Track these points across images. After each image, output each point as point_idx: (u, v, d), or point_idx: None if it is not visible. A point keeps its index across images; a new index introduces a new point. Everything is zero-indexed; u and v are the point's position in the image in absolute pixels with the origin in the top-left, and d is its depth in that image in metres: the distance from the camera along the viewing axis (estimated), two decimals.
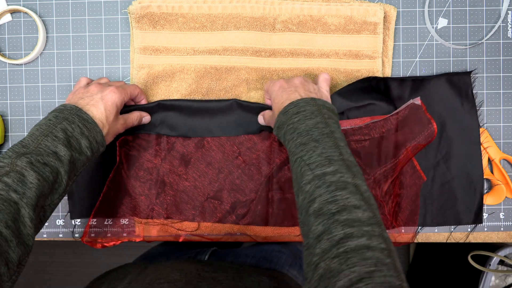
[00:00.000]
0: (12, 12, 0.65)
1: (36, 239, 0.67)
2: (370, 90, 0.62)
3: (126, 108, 0.61)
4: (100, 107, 0.53)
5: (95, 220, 0.66)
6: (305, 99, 0.50)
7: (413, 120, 0.60)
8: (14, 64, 0.65)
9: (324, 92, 0.56)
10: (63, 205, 0.66)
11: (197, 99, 0.64)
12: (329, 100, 0.56)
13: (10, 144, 0.66)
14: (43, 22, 0.65)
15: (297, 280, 0.64)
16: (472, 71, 0.64)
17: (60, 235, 0.67)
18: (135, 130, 0.63)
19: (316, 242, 0.39)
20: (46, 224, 0.67)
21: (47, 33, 0.65)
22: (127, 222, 0.66)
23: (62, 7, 0.65)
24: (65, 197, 0.66)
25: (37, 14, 0.65)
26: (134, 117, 0.60)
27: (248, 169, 0.64)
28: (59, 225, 0.67)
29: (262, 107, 0.62)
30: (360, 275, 0.34)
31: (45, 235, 0.67)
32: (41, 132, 0.48)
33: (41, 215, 0.47)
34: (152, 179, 0.64)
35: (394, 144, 0.62)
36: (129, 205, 0.64)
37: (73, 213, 0.65)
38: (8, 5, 0.65)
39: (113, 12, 0.65)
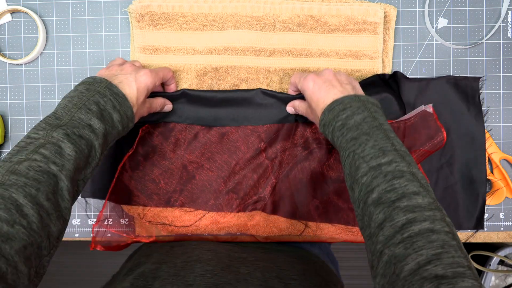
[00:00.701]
0: (12, 12, 0.65)
1: None
2: (382, 85, 0.63)
3: (152, 94, 0.61)
4: (133, 86, 0.53)
5: (94, 220, 0.66)
6: (349, 96, 0.50)
7: (423, 127, 0.60)
8: (14, 64, 0.65)
9: (354, 80, 0.57)
10: None
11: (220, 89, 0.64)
12: (360, 89, 0.56)
13: (10, 144, 0.66)
14: (43, 22, 0.65)
15: (322, 257, 0.65)
16: (480, 77, 0.64)
17: None
18: (159, 118, 0.63)
19: (378, 230, 0.39)
20: None
21: (47, 33, 0.65)
22: (127, 222, 0.66)
23: (62, 7, 0.65)
24: None
25: (37, 14, 0.65)
26: (158, 103, 0.60)
27: (270, 162, 0.64)
28: None
29: (287, 97, 0.63)
30: (428, 257, 0.35)
31: None
32: (74, 104, 0.47)
33: (75, 190, 0.46)
34: (173, 168, 0.64)
35: None
36: (146, 191, 0.64)
37: (84, 192, 0.65)
38: (8, 5, 0.65)
39: (113, 12, 0.65)
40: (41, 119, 0.65)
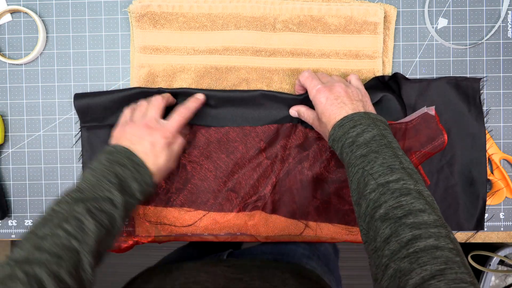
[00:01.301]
0: (12, 12, 0.65)
1: None
2: (382, 88, 0.63)
3: (149, 89, 0.62)
4: (146, 144, 0.54)
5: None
6: (359, 114, 0.52)
7: (425, 129, 0.60)
8: (14, 64, 0.65)
9: (365, 95, 0.58)
10: None
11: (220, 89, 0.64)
12: (371, 104, 0.57)
13: (10, 144, 0.66)
14: (43, 22, 0.65)
15: (317, 271, 0.65)
16: (481, 78, 0.64)
17: None
18: None
19: (384, 244, 0.41)
20: None
21: (47, 33, 0.65)
22: (127, 222, 0.66)
23: (62, 7, 0.65)
24: (75, 180, 0.66)
25: (37, 14, 0.65)
26: (181, 125, 0.59)
27: (269, 162, 0.64)
28: None
29: (288, 97, 0.62)
30: (432, 272, 0.36)
31: None
32: (96, 177, 0.50)
33: (97, 261, 0.48)
34: (173, 168, 0.64)
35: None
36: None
37: None
38: (8, 5, 0.65)
39: (113, 12, 0.65)
40: (41, 119, 0.65)
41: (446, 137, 0.58)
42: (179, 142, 0.59)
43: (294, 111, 0.62)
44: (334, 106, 0.54)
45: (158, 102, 0.58)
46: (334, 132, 0.53)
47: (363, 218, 0.46)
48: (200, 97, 0.61)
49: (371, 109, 0.56)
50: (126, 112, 0.59)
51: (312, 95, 0.57)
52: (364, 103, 0.55)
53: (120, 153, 0.52)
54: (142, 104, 0.59)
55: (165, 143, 0.56)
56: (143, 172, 0.53)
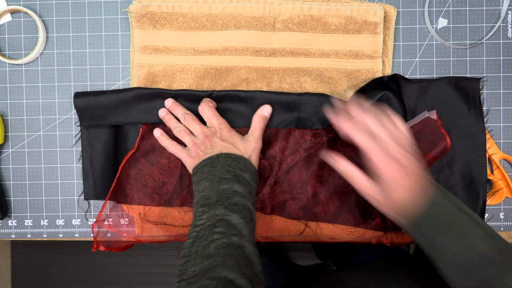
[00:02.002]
0: (12, 12, 0.65)
1: (36, 239, 0.67)
2: (381, 88, 0.63)
3: (149, 90, 0.62)
4: (229, 146, 0.56)
5: (93, 220, 0.66)
6: (437, 196, 0.49)
7: (427, 134, 0.60)
8: (14, 64, 0.65)
9: (410, 142, 0.52)
10: (62, 205, 0.66)
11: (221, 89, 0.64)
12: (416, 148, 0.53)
13: (10, 144, 0.66)
14: (43, 22, 0.65)
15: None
16: (481, 78, 0.64)
17: (60, 235, 0.67)
18: (158, 118, 0.63)
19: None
20: (46, 224, 0.67)
21: (47, 33, 0.65)
22: (127, 222, 0.66)
23: (62, 7, 0.65)
24: (77, 179, 0.66)
25: (37, 14, 0.65)
26: (256, 125, 0.60)
27: (268, 164, 0.64)
28: (59, 225, 0.67)
29: (288, 98, 0.62)
30: None
31: (45, 235, 0.67)
32: (211, 181, 0.50)
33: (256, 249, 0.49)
34: (173, 167, 0.64)
35: None
36: (147, 191, 0.64)
37: (88, 194, 0.65)
38: (8, 5, 0.65)
39: (113, 12, 0.65)
40: (41, 119, 0.65)
41: (449, 142, 0.58)
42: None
43: (345, 166, 0.53)
44: (409, 176, 0.48)
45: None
46: (421, 222, 0.49)
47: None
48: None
49: (417, 155, 0.51)
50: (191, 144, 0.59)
51: (368, 154, 0.49)
52: (415, 156, 0.50)
53: (217, 158, 0.54)
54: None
55: (231, 130, 0.58)
56: (246, 162, 0.54)
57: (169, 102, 0.62)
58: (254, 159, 0.58)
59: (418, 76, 0.65)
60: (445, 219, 0.48)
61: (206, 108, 0.59)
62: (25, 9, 0.63)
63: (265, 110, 0.61)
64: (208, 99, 0.62)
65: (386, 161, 0.48)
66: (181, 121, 0.60)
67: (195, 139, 0.59)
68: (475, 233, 0.47)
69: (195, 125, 0.59)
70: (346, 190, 0.64)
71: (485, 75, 0.65)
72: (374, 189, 0.50)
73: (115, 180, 0.63)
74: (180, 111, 0.61)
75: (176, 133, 0.60)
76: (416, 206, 0.48)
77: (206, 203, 0.48)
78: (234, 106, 0.63)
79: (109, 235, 0.66)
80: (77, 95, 0.63)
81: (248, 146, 0.58)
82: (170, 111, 0.62)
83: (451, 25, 0.65)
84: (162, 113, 0.62)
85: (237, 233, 0.45)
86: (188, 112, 0.61)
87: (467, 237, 0.46)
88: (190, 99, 0.63)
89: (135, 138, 0.64)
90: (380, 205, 0.51)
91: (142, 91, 0.62)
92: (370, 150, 0.49)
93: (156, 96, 0.62)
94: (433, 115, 0.59)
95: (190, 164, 0.58)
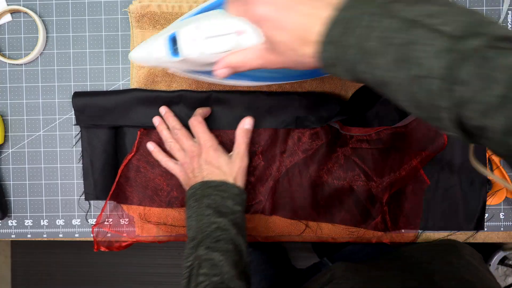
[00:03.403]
0: (12, 12, 0.65)
1: (36, 239, 0.67)
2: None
3: (147, 93, 0.62)
4: (213, 170, 0.57)
5: (95, 220, 0.66)
6: (344, 7, 0.33)
7: (423, 131, 0.59)
8: (14, 64, 0.65)
9: None
10: (62, 205, 0.66)
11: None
12: None
13: (10, 144, 0.66)
14: (43, 22, 0.65)
15: None
16: None
17: (60, 235, 0.67)
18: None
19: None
20: (46, 224, 0.67)
21: (47, 33, 0.65)
22: (127, 222, 0.66)
23: (62, 7, 0.65)
24: (77, 179, 0.66)
25: (37, 14, 0.65)
26: (240, 141, 0.60)
27: (267, 165, 0.64)
28: (59, 225, 0.67)
29: (288, 98, 0.61)
30: None
31: (45, 235, 0.67)
32: (195, 220, 0.53)
33: (247, 275, 0.51)
34: None
35: (402, 154, 0.62)
36: (147, 193, 0.64)
37: (88, 195, 0.65)
38: (8, 5, 0.65)
39: (113, 12, 0.65)
40: (41, 119, 0.65)
41: (446, 137, 0.58)
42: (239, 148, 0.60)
43: (222, 69, 0.41)
44: (287, 9, 0.35)
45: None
46: (325, 55, 0.34)
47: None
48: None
49: None
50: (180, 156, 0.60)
51: (247, 16, 0.38)
52: None
53: (199, 189, 0.56)
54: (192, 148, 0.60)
55: (218, 150, 0.58)
56: (227, 188, 0.56)
57: (162, 110, 0.62)
58: (240, 179, 0.59)
59: None
60: (363, 32, 0.32)
61: (195, 123, 0.59)
62: (25, 9, 0.63)
63: (247, 123, 0.60)
64: (201, 110, 0.61)
65: (254, 3, 0.37)
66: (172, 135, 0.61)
67: (184, 158, 0.60)
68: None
69: (183, 142, 0.60)
70: (346, 190, 0.64)
71: None
72: (257, 55, 0.39)
73: (115, 183, 0.63)
74: (171, 123, 0.61)
75: (167, 147, 0.62)
76: (309, 39, 0.35)
77: (192, 245, 0.51)
78: (233, 107, 0.63)
79: (109, 235, 0.66)
80: (76, 95, 0.63)
81: (233, 167, 0.58)
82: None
83: None
84: (156, 121, 0.62)
85: (218, 273, 0.47)
86: (178, 126, 0.60)
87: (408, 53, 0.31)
88: (189, 103, 0.62)
89: (135, 138, 0.63)
90: (270, 65, 0.40)
91: (140, 94, 0.62)
92: (234, 7, 0.40)
93: (154, 100, 0.62)
94: None
95: (183, 180, 0.61)
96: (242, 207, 0.56)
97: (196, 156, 0.58)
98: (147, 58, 0.46)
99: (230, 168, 0.58)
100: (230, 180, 0.57)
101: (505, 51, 0.29)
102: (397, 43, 0.31)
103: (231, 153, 0.60)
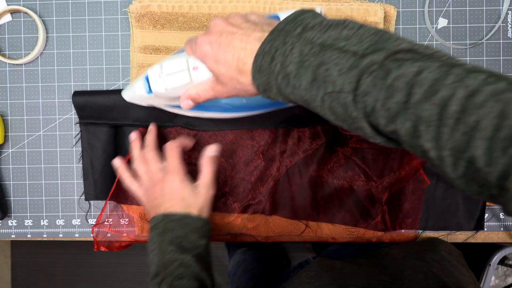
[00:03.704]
0: (12, 12, 0.65)
1: (36, 239, 0.67)
2: None
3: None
4: (176, 201, 0.55)
5: (95, 220, 0.66)
6: (266, 39, 0.38)
7: None
8: (14, 64, 0.65)
9: (253, 15, 0.44)
10: (62, 205, 0.66)
11: None
12: (266, 20, 0.43)
13: (10, 144, 0.66)
14: (43, 22, 0.65)
15: None
16: None
17: (60, 235, 0.67)
18: (159, 123, 0.63)
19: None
20: (46, 224, 0.67)
21: (47, 33, 0.65)
22: (127, 222, 0.66)
23: (62, 7, 0.65)
24: (77, 179, 0.66)
25: (37, 14, 0.65)
26: (207, 170, 0.58)
27: (267, 165, 0.64)
28: (59, 225, 0.67)
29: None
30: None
31: (45, 235, 0.67)
32: (157, 256, 0.52)
33: None
34: None
35: (402, 154, 0.62)
36: None
37: (88, 195, 0.65)
38: (8, 5, 0.65)
39: (113, 12, 0.65)
40: (41, 119, 0.65)
41: None
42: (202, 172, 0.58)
43: (185, 100, 0.47)
44: (223, 45, 0.40)
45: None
46: (257, 82, 0.39)
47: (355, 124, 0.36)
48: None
49: (269, 22, 0.42)
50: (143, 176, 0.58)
51: (196, 55, 0.43)
52: (255, 23, 0.42)
53: (162, 221, 0.54)
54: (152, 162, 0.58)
55: (184, 181, 0.56)
56: (190, 221, 0.54)
57: (150, 127, 0.61)
58: (206, 211, 0.57)
59: None
60: (277, 68, 0.37)
61: (170, 148, 0.58)
62: (25, 9, 0.63)
63: (213, 150, 0.58)
64: (184, 140, 0.60)
65: (196, 42, 0.43)
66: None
67: (147, 183, 0.57)
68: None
69: (151, 165, 0.57)
70: (346, 189, 0.64)
71: None
72: (208, 87, 0.45)
73: (115, 183, 0.63)
74: (146, 141, 0.60)
75: (133, 166, 0.59)
76: (244, 68, 0.40)
77: (156, 281, 0.51)
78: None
79: (109, 235, 0.66)
80: (76, 94, 0.63)
81: (198, 199, 0.56)
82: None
83: (451, 25, 0.65)
84: (132, 136, 0.61)
85: None
86: (151, 146, 0.59)
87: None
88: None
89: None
90: (221, 95, 0.45)
91: None
92: (188, 46, 0.45)
93: None
94: None
95: (144, 205, 0.59)
96: (207, 239, 0.55)
97: (160, 183, 0.56)
98: (133, 96, 0.53)
99: (195, 199, 0.55)
100: (194, 212, 0.55)
101: (402, 62, 0.32)
102: (312, 66, 0.35)
103: (196, 183, 0.57)
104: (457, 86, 0.30)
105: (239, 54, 0.39)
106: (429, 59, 0.32)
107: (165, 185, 0.56)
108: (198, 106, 0.49)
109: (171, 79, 0.46)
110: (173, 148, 0.58)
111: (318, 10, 0.44)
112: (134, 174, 0.59)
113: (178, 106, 0.53)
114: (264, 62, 0.38)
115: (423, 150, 0.33)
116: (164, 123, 0.63)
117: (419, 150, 0.33)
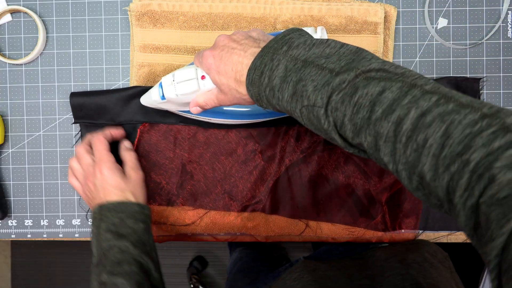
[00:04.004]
0: (12, 12, 0.65)
1: (36, 239, 0.67)
2: None
3: (145, 88, 0.62)
4: (109, 189, 0.56)
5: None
6: (257, 56, 0.43)
7: None
8: (14, 64, 0.65)
9: (255, 30, 0.48)
10: (62, 205, 0.66)
11: None
12: (266, 35, 0.48)
13: (10, 144, 0.66)
14: (43, 22, 0.65)
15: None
16: (480, 78, 0.64)
17: (60, 235, 0.67)
18: (157, 119, 0.63)
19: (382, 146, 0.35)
20: (46, 224, 0.67)
21: (47, 33, 0.65)
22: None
23: (62, 7, 0.65)
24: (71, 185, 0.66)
25: (37, 14, 0.65)
26: (128, 156, 0.60)
27: (266, 164, 0.64)
28: (59, 225, 0.67)
29: None
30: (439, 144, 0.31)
31: (45, 235, 0.67)
32: (96, 246, 0.54)
33: None
34: (173, 167, 0.64)
35: None
36: (148, 191, 0.64)
37: None
38: (8, 5, 0.65)
39: (113, 12, 0.65)
40: (41, 119, 0.65)
41: None
42: (126, 155, 0.60)
43: (194, 107, 0.52)
44: (224, 59, 0.45)
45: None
46: (250, 93, 0.44)
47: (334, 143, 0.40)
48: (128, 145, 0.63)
49: (266, 39, 0.46)
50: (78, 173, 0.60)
51: (202, 66, 0.48)
52: (255, 39, 0.46)
53: (98, 213, 0.55)
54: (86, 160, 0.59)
55: (111, 169, 0.57)
56: (125, 207, 0.55)
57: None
58: (140, 193, 0.58)
59: None
60: (266, 81, 0.41)
61: (95, 141, 0.59)
62: (25, 9, 0.63)
63: (127, 143, 0.62)
64: (112, 130, 0.61)
65: (202, 55, 0.48)
66: None
67: (82, 178, 0.59)
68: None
69: (82, 160, 0.59)
70: (346, 189, 0.64)
71: (485, 75, 0.65)
72: (213, 96, 0.50)
73: None
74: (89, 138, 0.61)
75: (70, 164, 0.61)
76: (239, 80, 0.44)
77: (96, 271, 0.52)
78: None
79: None
80: (73, 95, 0.63)
81: (129, 182, 0.57)
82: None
83: (451, 25, 0.65)
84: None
85: None
86: (85, 141, 0.60)
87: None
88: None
89: (134, 137, 0.63)
90: (224, 103, 0.49)
91: (138, 90, 0.62)
92: (196, 60, 0.50)
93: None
94: None
95: (85, 201, 0.61)
96: (145, 223, 0.56)
97: (91, 176, 0.57)
98: (149, 101, 0.57)
99: (126, 184, 0.57)
100: (130, 196, 0.56)
101: (369, 81, 0.36)
102: (293, 81, 0.40)
103: (124, 170, 0.59)
104: (411, 106, 0.33)
105: (237, 67, 0.44)
106: (397, 79, 0.35)
107: (96, 177, 0.57)
108: (209, 112, 0.55)
109: (182, 87, 0.51)
110: (98, 139, 0.59)
111: (319, 29, 0.50)
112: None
113: (189, 111, 0.57)
114: (255, 76, 0.42)
115: (384, 163, 0.36)
116: (164, 119, 0.63)
117: (382, 163, 0.37)
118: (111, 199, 0.55)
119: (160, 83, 0.54)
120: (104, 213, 0.54)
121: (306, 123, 0.41)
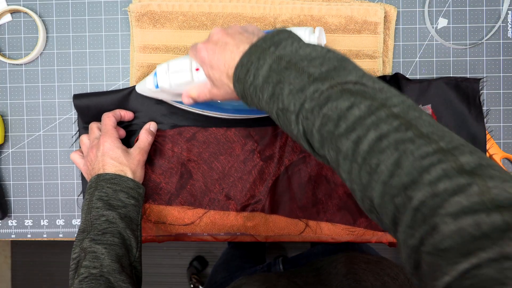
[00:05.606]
0: (12, 12, 0.65)
1: (36, 239, 0.67)
2: None
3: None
4: (108, 161, 0.56)
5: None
6: (245, 53, 0.42)
7: None
8: (14, 64, 0.65)
9: (251, 26, 0.48)
10: (63, 205, 0.66)
11: None
12: (260, 31, 0.47)
13: (10, 144, 0.66)
14: (43, 22, 0.65)
15: (370, 252, 0.67)
16: (480, 79, 0.64)
17: (60, 235, 0.67)
18: (158, 119, 0.64)
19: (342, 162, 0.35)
20: (46, 224, 0.67)
21: (47, 33, 0.65)
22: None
23: (62, 7, 0.65)
24: (77, 179, 0.66)
25: (37, 14, 0.65)
26: (144, 137, 0.61)
27: (265, 164, 0.64)
28: (59, 225, 0.67)
29: None
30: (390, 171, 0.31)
31: (45, 235, 0.67)
32: (85, 212, 0.54)
33: (134, 272, 0.53)
34: (173, 167, 0.64)
35: None
36: (147, 192, 0.65)
37: None
38: (8, 5, 0.65)
39: (113, 12, 0.65)
40: (41, 119, 0.65)
41: None
42: (142, 137, 0.61)
43: (186, 97, 0.52)
44: (217, 53, 0.44)
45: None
46: (237, 90, 0.44)
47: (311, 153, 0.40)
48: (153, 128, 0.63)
49: (261, 35, 0.45)
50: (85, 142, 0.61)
51: (196, 59, 0.48)
52: (249, 34, 0.45)
53: (94, 182, 0.56)
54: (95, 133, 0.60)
55: (114, 142, 0.58)
56: (121, 180, 0.56)
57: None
58: (139, 173, 0.59)
59: (418, 76, 0.65)
60: (250, 79, 0.41)
61: (104, 117, 0.60)
62: (25, 9, 0.63)
63: (151, 126, 0.63)
64: (121, 111, 0.62)
65: (198, 49, 0.47)
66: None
67: (86, 150, 0.60)
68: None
69: (90, 134, 0.60)
70: (346, 189, 0.64)
71: (485, 75, 0.65)
72: (206, 90, 0.49)
73: None
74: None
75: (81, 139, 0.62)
76: (229, 72, 0.44)
77: (81, 237, 0.52)
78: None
79: None
80: (76, 97, 0.63)
81: (131, 160, 0.58)
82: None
83: (451, 25, 0.65)
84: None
85: (98, 265, 0.49)
86: (99, 120, 0.61)
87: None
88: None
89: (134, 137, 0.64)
90: (216, 98, 0.49)
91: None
92: (191, 53, 0.49)
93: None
94: (428, 109, 0.59)
95: (84, 173, 0.61)
96: (136, 200, 0.56)
97: (95, 147, 0.58)
98: (144, 89, 0.58)
99: (127, 159, 0.58)
100: (128, 172, 0.57)
101: (343, 93, 0.35)
102: (272, 82, 0.39)
103: (131, 148, 0.60)
104: (371, 128, 0.32)
105: (230, 63, 0.43)
106: (370, 96, 0.34)
107: (99, 148, 0.58)
108: (204, 105, 0.55)
109: (175, 77, 0.51)
110: (107, 115, 0.60)
111: (317, 30, 0.50)
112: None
113: (181, 102, 0.57)
114: (241, 73, 0.42)
115: (343, 179, 0.36)
116: (164, 120, 0.63)
117: (342, 178, 0.36)
118: (110, 170, 0.56)
119: (155, 72, 0.54)
120: (100, 183, 0.55)
121: (281, 124, 0.41)
